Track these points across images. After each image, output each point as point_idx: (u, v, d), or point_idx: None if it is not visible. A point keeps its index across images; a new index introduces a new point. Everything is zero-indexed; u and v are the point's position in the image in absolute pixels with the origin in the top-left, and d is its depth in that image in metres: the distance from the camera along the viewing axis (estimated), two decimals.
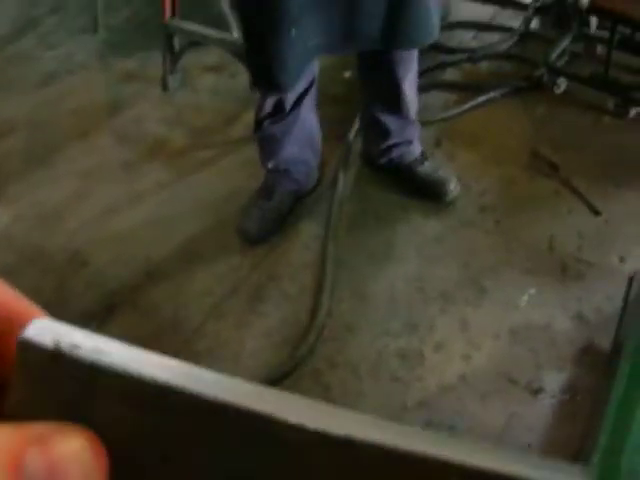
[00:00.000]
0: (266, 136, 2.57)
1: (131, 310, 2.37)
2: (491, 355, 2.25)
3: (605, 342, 2.23)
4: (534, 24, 3.63)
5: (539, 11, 3.61)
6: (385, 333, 2.30)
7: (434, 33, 2.36)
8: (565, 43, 3.27)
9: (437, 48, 3.22)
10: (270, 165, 2.63)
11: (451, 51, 3.44)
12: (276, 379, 2.16)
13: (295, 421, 0.31)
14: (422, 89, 2.86)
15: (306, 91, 2.47)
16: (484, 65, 3.43)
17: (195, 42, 3.12)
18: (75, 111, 3.16)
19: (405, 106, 2.60)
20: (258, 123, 2.55)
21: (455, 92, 3.25)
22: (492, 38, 3.54)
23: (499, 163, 2.89)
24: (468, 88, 3.26)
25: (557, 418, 2.10)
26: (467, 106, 3.14)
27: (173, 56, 3.19)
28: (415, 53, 2.52)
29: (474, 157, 2.93)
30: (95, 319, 2.31)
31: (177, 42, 3.17)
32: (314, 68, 2.44)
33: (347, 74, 3.27)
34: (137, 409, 0.33)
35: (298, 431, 0.31)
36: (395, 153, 2.71)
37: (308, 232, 2.63)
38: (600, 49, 3.30)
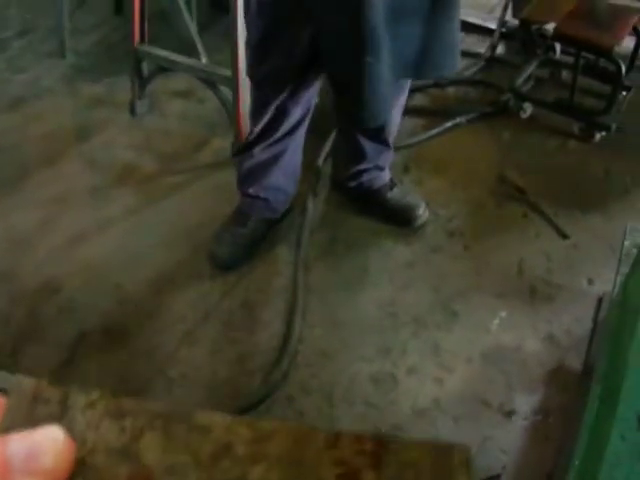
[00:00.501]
0: (254, 162, 2.51)
1: (103, 337, 2.34)
2: (464, 378, 2.27)
3: (576, 363, 2.27)
4: (500, 50, 3.70)
5: (505, 37, 3.68)
6: (358, 358, 2.31)
7: (459, 61, 2.30)
8: (531, 68, 3.33)
9: None
10: (251, 191, 2.58)
11: None
12: (250, 405, 2.15)
13: None
14: None
15: (303, 118, 2.43)
16: (451, 90, 3.48)
17: (164, 68, 3.11)
18: (43, 136, 3.13)
19: (388, 132, 2.58)
20: (247, 147, 2.50)
21: (422, 117, 3.28)
22: None
23: (467, 188, 2.92)
24: (435, 113, 3.30)
25: (530, 439, 2.12)
26: (434, 131, 3.18)
27: (141, 81, 3.18)
28: (409, 80, 2.46)
29: (442, 182, 2.96)
30: (67, 346, 2.29)
31: (146, 67, 3.16)
32: (314, 94, 2.40)
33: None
34: None
35: None
36: (365, 177, 2.71)
37: (281, 258, 2.63)
38: (565, 74, 3.36)
